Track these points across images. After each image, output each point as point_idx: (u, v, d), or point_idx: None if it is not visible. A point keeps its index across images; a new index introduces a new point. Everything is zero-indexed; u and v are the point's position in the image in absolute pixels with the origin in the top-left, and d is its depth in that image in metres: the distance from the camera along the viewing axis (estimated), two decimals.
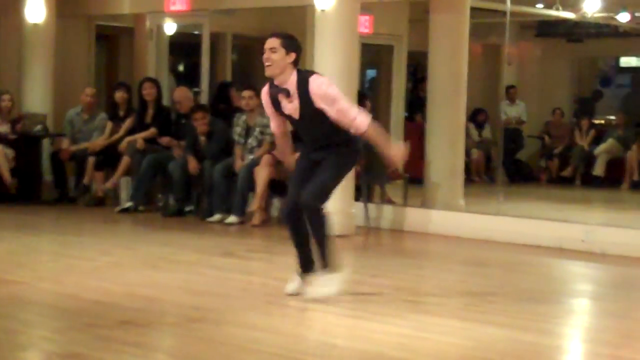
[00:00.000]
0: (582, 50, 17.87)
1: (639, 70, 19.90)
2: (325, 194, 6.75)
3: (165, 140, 11.97)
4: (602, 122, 17.73)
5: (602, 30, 16.43)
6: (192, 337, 5.88)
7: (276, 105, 6.73)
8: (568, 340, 6.30)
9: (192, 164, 11.36)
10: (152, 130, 12.05)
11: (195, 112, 11.43)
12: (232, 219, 10.87)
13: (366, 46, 13.78)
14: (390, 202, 11.39)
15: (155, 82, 12.42)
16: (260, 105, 11.18)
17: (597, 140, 16.19)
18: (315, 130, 6.72)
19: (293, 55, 6.58)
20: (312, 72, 6.75)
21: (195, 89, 13.35)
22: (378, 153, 11.28)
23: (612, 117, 17.30)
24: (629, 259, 9.17)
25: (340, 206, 10.17)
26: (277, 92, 6.65)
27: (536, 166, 16.93)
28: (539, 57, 17.65)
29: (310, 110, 6.58)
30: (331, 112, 6.55)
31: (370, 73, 16.79)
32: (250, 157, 11.10)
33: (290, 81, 6.58)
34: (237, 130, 11.28)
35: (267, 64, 6.57)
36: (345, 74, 10.16)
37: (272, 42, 6.57)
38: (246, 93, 11.24)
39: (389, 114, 14.82)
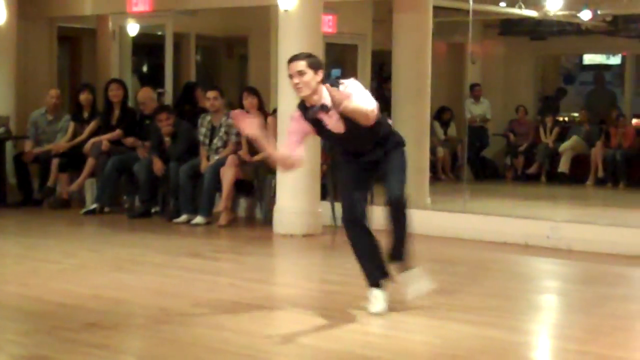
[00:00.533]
0: (546, 48, 17.97)
1: (601, 68, 20.06)
2: (405, 188, 6.62)
3: (129, 141, 11.91)
4: (566, 119, 17.86)
5: (565, 28, 16.52)
6: (159, 339, 5.86)
7: (318, 125, 6.47)
8: (535, 337, 6.33)
9: (158, 165, 11.31)
10: (118, 132, 11.99)
11: (159, 113, 11.38)
12: (198, 219, 10.84)
13: (330, 46, 13.79)
14: None
15: (121, 83, 12.37)
16: (225, 105, 11.32)
17: (562, 137, 16.30)
18: (363, 135, 6.49)
19: (321, 73, 6.38)
20: (337, 82, 6.43)
21: (159, 90, 13.30)
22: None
23: (576, 115, 17.42)
24: (594, 255, 9.22)
25: (306, 206, 10.19)
26: (315, 112, 6.39)
27: (501, 164, 17.01)
28: (502, 55, 17.73)
29: (349, 118, 6.36)
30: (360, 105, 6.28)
31: (335, 72, 16.76)
32: (216, 157, 11.07)
33: (324, 97, 6.36)
34: (202, 130, 11.25)
35: (297, 87, 6.35)
36: None
37: (298, 66, 6.33)
38: (211, 94, 11.21)
39: None
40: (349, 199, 6.74)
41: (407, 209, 6.62)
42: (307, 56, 6.42)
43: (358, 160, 6.64)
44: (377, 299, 6.57)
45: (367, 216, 6.76)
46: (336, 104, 6.19)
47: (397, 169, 6.62)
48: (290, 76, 6.35)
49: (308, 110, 6.41)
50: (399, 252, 6.67)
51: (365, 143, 6.56)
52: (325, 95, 6.34)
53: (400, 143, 6.72)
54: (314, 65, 6.34)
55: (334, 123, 6.40)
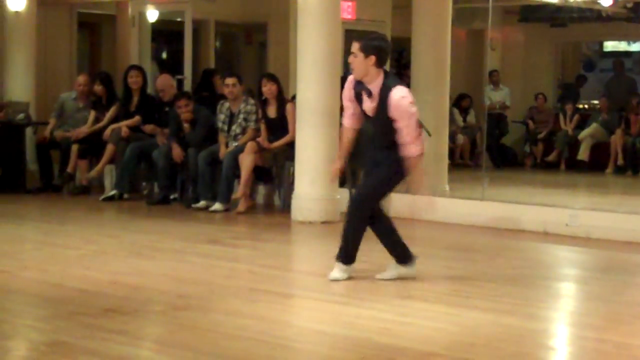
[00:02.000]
0: (566, 35, 17.89)
1: (621, 55, 19.94)
2: (370, 199, 7.15)
3: (149, 128, 11.93)
4: (586, 106, 17.78)
5: (585, 15, 16.43)
6: (177, 325, 5.87)
7: (358, 98, 6.91)
8: (553, 324, 6.31)
9: (176, 152, 11.32)
10: (137, 118, 12.01)
11: (178, 100, 11.39)
12: (217, 206, 10.85)
13: (350, 32, 13.74)
14: None
15: (141, 70, 12.38)
16: (244, 92, 11.32)
17: (581, 125, 16.24)
18: (383, 131, 6.92)
19: (373, 58, 6.73)
20: (397, 82, 6.87)
21: (179, 76, 13.31)
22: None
23: (596, 102, 17.34)
24: (613, 243, 9.20)
25: (325, 192, 10.18)
26: (361, 89, 6.84)
27: (521, 151, 16.96)
28: (522, 42, 17.67)
29: (384, 115, 6.79)
30: (398, 124, 6.78)
31: None
32: (235, 144, 11.07)
33: (376, 83, 6.78)
34: (221, 117, 11.25)
35: (352, 66, 6.83)
36: (329, 60, 10.15)
37: (353, 47, 6.79)
38: (229, 80, 11.21)
39: None
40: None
41: (355, 217, 7.16)
42: (364, 39, 6.82)
43: (370, 157, 7.14)
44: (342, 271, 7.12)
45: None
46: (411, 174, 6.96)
47: (372, 180, 7.15)
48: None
49: (359, 84, 6.85)
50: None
51: (379, 138, 7.01)
52: (377, 83, 6.75)
53: (396, 162, 7.00)
54: (366, 49, 6.72)
55: (368, 107, 6.85)
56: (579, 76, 18.75)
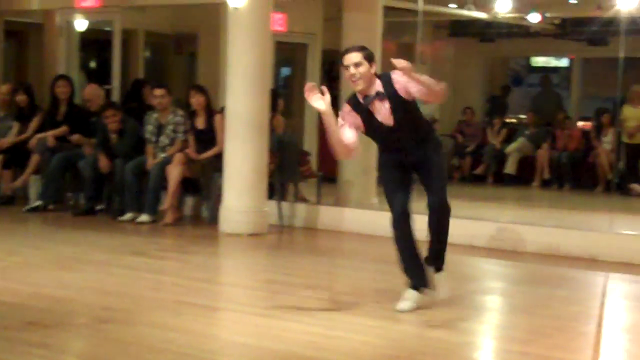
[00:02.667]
0: (494, 50, 18.12)
1: (549, 70, 20.23)
2: (446, 192, 6.78)
3: (75, 137, 11.81)
4: (514, 121, 17.99)
5: (514, 31, 16.66)
6: (101, 338, 5.80)
7: (369, 118, 6.55)
8: (478, 337, 6.35)
9: (103, 162, 11.22)
10: (64, 128, 11.88)
11: (106, 110, 11.29)
12: (144, 217, 10.77)
13: (280, 44, 13.77)
14: (303, 200, 11.39)
15: (68, 79, 12.28)
16: (172, 103, 11.25)
17: (509, 139, 16.42)
18: (409, 131, 6.60)
19: (375, 66, 6.53)
20: (388, 73, 6.59)
21: (107, 86, 13.19)
22: (292, 151, 11.35)
23: (523, 117, 17.55)
24: (539, 256, 9.31)
25: (253, 204, 10.16)
26: (370, 102, 6.51)
27: (449, 165, 17.08)
28: (452, 56, 17.82)
29: (401, 107, 6.50)
30: (410, 86, 6.43)
31: (285, 71, 16.77)
32: (163, 155, 11.00)
33: (378, 86, 6.50)
34: (149, 128, 11.18)
35: (354, 79, 6.46)
36: (259, 71, 10.14)
37: (356, 57, 6.45)
38: (158, 91, 11.14)
39: (303, 112, 14.83)
40: (395, 197, 6.78)
41: (449, 214, 6.80)
42: (362, 48, 6.57)
43: (400, 161, 6.72)
44: (410, 298, 6.69)
45: (412, 217, 6.80)
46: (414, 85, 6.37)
47: (438, 173, 6.76)
48: (346, 67, 6.46)
49: (360, 102, 6.52)
50: (438, 257, 6.88)
51: (409, 140, 6.63)
52: (377, 85, 6.48)
53: (439, 145, 6.86)
54: (369, 57, 6.50)
55: (384, 114, 6.52)
56: (504, 86, 18.90)
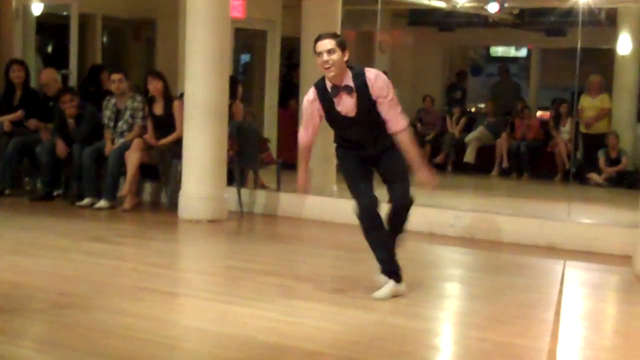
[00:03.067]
0: (454, 39, 18.17)
1: (508, 60, 20.33)
2: (410, 191, 6.77)
3: (32, 123, 11.69)
4: (473, 110, 18.07)
5: (473, 20, 16.71)
6: (59, 323, 5.75)
7: (331, 106, 6.54)
8: (437, 324, 6.37)
9: (60, 147, 11.13)
10: (19, 113, 11.76)
11: (63, 95, 11.19)
12: (102, 203, 10.69)
13: (239, 31, 13.73)
14: (263, 187, 11.37)
15: (23, 64, 12.13)
16: (130, 88, 11.17)
17: (468, 128, 16.49)
18: (368, 125, 6.58)
19: (347, 53, 6.47)
20: (362, 67, 6.59)
21: (64, 71, 13.07)
22: (252, 138, 11.31)
23: (482, 106, 17.63)
24: (497, 244, 9.36)
25: (212, 191, 10.12)
26: (337, 93, 6.48)
27: None
28: (411, 45, 17.85)
29: (367, 104, 6.48)
30: (384, 102, 6.48)
31: (244, 58, 16.72)
32: (121, 140, 10.92)
33: (347, 77, 6.46)
34: (107, 113, 11.10)
35: (327, 66, 6.39)
36: (218, 58, 10.07)
37: (329, 44, 6.40)
38: (115, 76, 11.07)
39: (263, 99, 14.80)
40: (359, 189, 6.72)
41: (410, 208, 6.79)
42: (336, 35, 6.55)
43: (358, 153, 6.71)
44: (386, 287, 6.68)
45: (378, 206, 6.74)
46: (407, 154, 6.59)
47: (400, 172, 6.73)
48: (319, 54, 6.41)
49: (327, 91, 6.50)
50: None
51: (367, 135, 6.63)
52: (348, 76, 6.44)
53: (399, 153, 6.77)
54: (342, 45, 6.45)
55: (348, 106, 6.50)
56: (459, 72, 18.84)
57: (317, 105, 6.58)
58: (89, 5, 13.92)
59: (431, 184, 6.75)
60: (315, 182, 11.14)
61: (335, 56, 6.38)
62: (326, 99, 6.53)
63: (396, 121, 6.56)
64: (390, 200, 6.72)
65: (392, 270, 6.75)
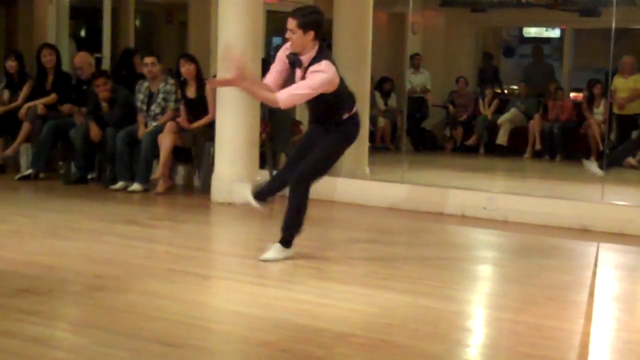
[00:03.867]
0: (486, 20, 18.05)
1: (541, 41, 20.18)
2: (316, 174, 7.15)
3: (66, 107, 11.77)
4: (505, 91, 17.97)
5: (506, 1, 16.62)
6: (94, 305, 5.79)
7: (292, 66, 6.96)
8: (470, 306, 6.36)
9: (94, 131, 11.19)
10: (53, 96, 11.83)
11: (96, 78, 11.24)
12: (135, 186, 10.75)
13: (272, 13, 13.72)
14: None
15: (54, 48, 12.18)
16: (163, 72, 11.20)
17: (500, 109, 16.41)
18: (312, 103, 7.00)
19: (312, 33, 6.81)
20: (328, 58, 6.88)
21: (97, 55, 13.13)
22: (284, 121, 11.32)
23: (515, 87, 17.54)
24: (529, 226, 9.32)
25: (245, 174, 10.13)
26: (294, 60, 6.90)
27: (441, 135, 17.08)
28: (443, 26, 17.77)
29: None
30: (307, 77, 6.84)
31: (276, 40, 16.70)
32: (154, 124, 10.97)
33: (308, 55, 6.86)
34: (140, 97, 11.14)
35: (290, 42, 6.86)
36: (250, 41, 10.07)
37: (290, 23, 6.81)
38: (148, 59, 11.09)
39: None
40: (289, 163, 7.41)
41: (300, 192, 7.14)
42: (301, 15, 6.85)
43: (312, 129, 7.26)
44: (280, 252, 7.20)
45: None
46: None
47: (320, 152, 7.05)
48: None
49: (292, 54, 6.92)
50: (285, 227, 7.27)
51: (317, 112, 7.14)
52: (309, 55, 6.83)
53: (345, 133, 7.14)
54: (304, 26, 6.79)
55: (298, 76, 6.94)
56: (486, 54, 18.72)
57: (285, 58, 6.99)
58: None
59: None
60: (348, 164, 11.18)
61: (295, 36, 6.80)
62: (291, 60, 6.95)
63: (285, 92, 6.87)
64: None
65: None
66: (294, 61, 6.93)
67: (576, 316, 5.91)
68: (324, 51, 6.95)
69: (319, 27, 6.88)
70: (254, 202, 7.34)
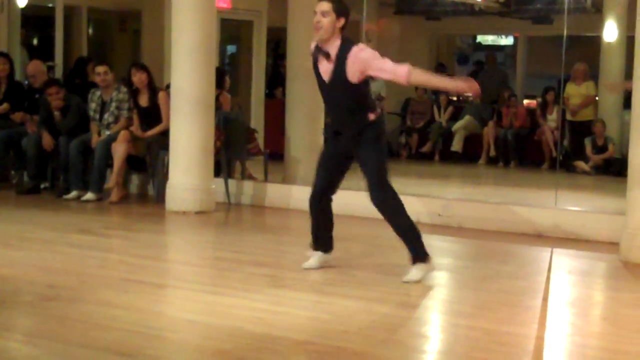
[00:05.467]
0: (440, 28, 18.16)
1: (494, 49, 20.34)
2: (384, 177, 6.93)
3: (18, 116, 11.66)
4: (460, 98, 18.06)
5: (459, 9, 16.71)
6: (47, 316, 5.74)
7: (315, 65, 6.80)
8: (425, 312, 6.38)
9: (47, 140, 11.10)
10: (5, 106, 11.72)
11: (49, 87, 11.16)
12: (89, 196, 10.67)
13: (225, 21, 13.72)
14: (250, 177, 11.37)
15: (7, 57, 12.08)
16: (116, 80, 11.14)
17: (455, 116, 16.49)
18: (341, 101, 6.75)
19: (342, 21, 6.65)
20: (357, 43, 6.73)
21: (50, 63, 13.03)
22: (239, 128, 11.29)
23: (469, 95, 17.61)
24: (484, 232, 9.37)
25: (199, 182, 10.10)
26: (318, 53, 6.72)
27: (396, 142, 17.12)
28: (397, 34, 17.84)
29: (341, 76, 6.64)
30: (372, 67, 6.62)
31: (230, 49, 16.70)
32: (107, 132, 10.90)
33: (334, 46, 6.64)
34: (93, 106, 11.08)
35: (317, 26, 6.62)
36: (203, 49, 10.05)
37: (324, 6, 6.60)
38: (100, 68, 11.04)
39: (250, 90, 14.78)
40: (317, 174, 7.10)
41: (390, 202, 7.00)
42: (336, 0, 6.65)
43: (335, 147, 6.91)
44: (315, 258, 7.12)
45: (331, 197, 7.20)
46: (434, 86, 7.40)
47: (372, 158, 6.86)
48: (315, 13, 6.63)
49: (316, 48, 6.75)
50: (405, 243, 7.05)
51: (343, 109, 6.79)
52: (335, 45, 6.62)
53: (376, 136, 6.87)
54: (339, 11, 6.62)
55: (325, 70, 6.71)
56: (438, 65, 18.79)
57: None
58: None
59: (473, 89, 6.83)
60: (303, 172, 11.17)
61: (326, 20, 6.58)
62: (314, 55, 6.78)
63: (396, 73, 6.67)
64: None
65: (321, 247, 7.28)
66: (317, 56, 6.73)
67: (530, 321, 5.94)
68: (350, 41, 6.73)
69: (348, 19, 6.70)
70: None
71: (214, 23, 10.40)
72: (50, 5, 13.60)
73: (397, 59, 17.28)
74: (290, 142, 11.43)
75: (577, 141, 14.52)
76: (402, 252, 8.08)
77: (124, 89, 11.04)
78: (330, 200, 7.20)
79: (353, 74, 6.64)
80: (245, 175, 11.35)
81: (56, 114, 11.13)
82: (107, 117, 10.97)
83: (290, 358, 4.99)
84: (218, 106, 10.77)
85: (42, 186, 11.33)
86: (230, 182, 10.91)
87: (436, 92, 17.46)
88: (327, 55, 6.66)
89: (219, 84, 10.93)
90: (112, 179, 10.66)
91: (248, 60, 14.94)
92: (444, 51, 19.99)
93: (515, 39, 19.11)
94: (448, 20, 17.71)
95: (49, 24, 13.56)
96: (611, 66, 14.90)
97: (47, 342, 5.17)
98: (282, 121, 11.76)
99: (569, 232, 9.12)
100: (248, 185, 11.00)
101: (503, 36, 20.52)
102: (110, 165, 10.71)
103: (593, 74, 14.94)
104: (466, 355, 5.20)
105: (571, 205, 9.78)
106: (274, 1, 14.17)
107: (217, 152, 10.63)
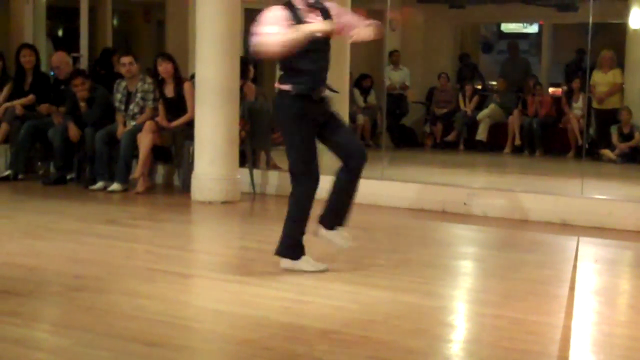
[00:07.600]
0: (464, 16, 18.10)
1: (518, 37, 20.25)
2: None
3: (44, 107, 11.72)
4: (485, 87, 18.01)
5: None
6: (74, 306, 5.76)
7: (297, 22, 6.71)
8: (451, 301, 6.36)
9: (73, 131, 11.14)
10: (31, 97, 11.78)
11: (74, 78, 11.20)
12: (115, 186, 10.71)
13: (250, 11, 13.66)
14: (275, 167, 11.36)
15: (33, 48, 12.13)
16: (141, 71, 11.17)
17: (480, 105, 16.44)
18: (325, 56, 6.96)
19: None
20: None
21: (75, 54, 13.08)
22: (264, 118, 11.29)
23: (494, 83, 17.58)
24: (509, 221, 9.34)
25: (225, 172, 10.12)
26: (314, 4, 6.75)
27: (420, 131, 17.10)
28: (421, 23, 17.78)
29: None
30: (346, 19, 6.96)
31: None
32: (133, 123, 10.93)
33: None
34: (118, 96, 11.11)
35: None
36: (228, 39, 10.06)
37: None
38: (126, 59, 11.06)
39: (274, 80, 14.77)
40: (311, 167, 7.10)
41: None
42: None
43: (313, 117, 6.87)
44: (312, 262, 6.84)
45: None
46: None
47: (348, 129, 7.01)
48: None
49: (297, 10, 6.73)
50: (344, 215, 7.03)
51: (323, 67, 6.98)
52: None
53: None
54: None
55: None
56: (461, 55, 18.76)
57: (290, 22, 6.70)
58: None
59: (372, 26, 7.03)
60: (328, 161, 11.16)
61: None
62: (297, 15, 6.72)
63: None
64: (348, 165, 7.02)
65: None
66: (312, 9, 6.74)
67: (557, 310, 5.91)
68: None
69: None
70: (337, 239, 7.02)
71: (238, 13, 10.40)
72: None
73: (422, 47, 17.31)
74: None
75: (603, 129, 14.44)
76: (427, 240, 8.09)
77: (149, 80, 11.07)
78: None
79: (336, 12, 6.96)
80: (270, 165, 11.36)
81: (82, 105, 11.17)
82: (133, 108, 11.00)
83: (316, 347, 4.99)
84: (242, 96, 10.78)
85: (68, 177, 11.38)
86: (255, 172, 10.93)
87: (461, 81, 17.41)
88: (326, 15, 6.80)
89: (243, 74, 10.93)
90: (137, 169, 10.70)
91: None
92: (468, 40, 19.92)
93: (540, 26, 19.01)
94: (472, 8, 17.66)
95: (74, 15, 13.60)
96: (637, 53, 14.80)
97: (74, 332, 5.19)
98: None
99: (595, 221, 9.08)
100: (273, 175, 11.00)
101: (528, 24, 20.41)
102: (136, 156, 10.75)
103: (619, 62, 14.84)
104: (492, 344, 5.19)
105: (597, 193, 9.74)
106: None
107: (242, 142, 10.64)
